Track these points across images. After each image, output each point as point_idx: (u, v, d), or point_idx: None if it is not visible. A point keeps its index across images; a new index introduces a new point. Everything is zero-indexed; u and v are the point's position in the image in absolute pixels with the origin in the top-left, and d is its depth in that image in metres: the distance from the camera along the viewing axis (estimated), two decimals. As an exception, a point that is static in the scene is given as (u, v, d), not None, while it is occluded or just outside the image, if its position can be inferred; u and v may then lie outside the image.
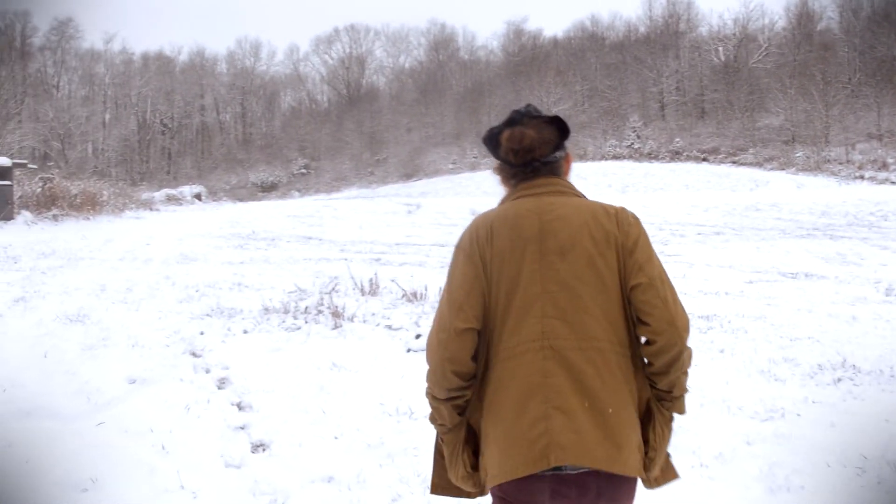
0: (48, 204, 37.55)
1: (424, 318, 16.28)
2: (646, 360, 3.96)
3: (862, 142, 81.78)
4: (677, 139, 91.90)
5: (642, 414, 4.00)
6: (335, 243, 32.99)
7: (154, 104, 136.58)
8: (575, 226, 3.98)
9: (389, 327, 14.89)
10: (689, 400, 4.71)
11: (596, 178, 77.90)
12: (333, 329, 14.33)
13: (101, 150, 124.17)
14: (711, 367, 11.67)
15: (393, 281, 20.24)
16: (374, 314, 16.37)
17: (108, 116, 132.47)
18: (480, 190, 74.08)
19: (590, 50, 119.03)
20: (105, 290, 19.62)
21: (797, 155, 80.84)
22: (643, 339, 3.94)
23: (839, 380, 10.94)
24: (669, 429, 4.06)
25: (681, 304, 3.89)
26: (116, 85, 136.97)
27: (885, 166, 73.07)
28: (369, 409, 9.65)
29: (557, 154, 4.23)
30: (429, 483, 5.66)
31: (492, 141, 4.26)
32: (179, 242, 30.86)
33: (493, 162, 4.32)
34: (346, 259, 27.42)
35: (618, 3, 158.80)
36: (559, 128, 4.24)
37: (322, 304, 16.25)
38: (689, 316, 3.94)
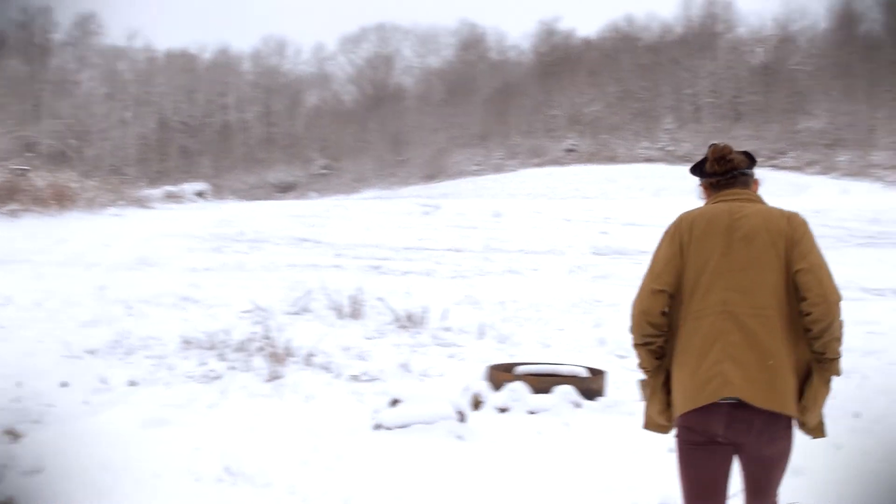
0: (5, 198, 33.04)
1: (419, 355, 12.57)
2: (806, 329, 5.11)
3: (913, 146, 78.22)
4: (713, 142, 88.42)
5: (803, 373, 5.17)
6: (333, 246, 29.25)
7: (176, 102, 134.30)
8: (755, 222, 5.26)
9: (356, 378, 11.07)
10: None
11: (627, 181, 75.43)
12: (269, 381, 10.40)
13: (119, 148, 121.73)
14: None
15: (381, 300, 16.32)
16: (346, 349, 12.62)
17: (128, 114, 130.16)
18: (505, 192, 70.93)
19: (623, 51, 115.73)
20: (8, 303, 15.82)
21: (840, 159, 77.42)
22: (805, 313, 5.07)
23: None
24: (826, 388, 5.20)
25: (834, 284, 5.08)
26: (138, 82, 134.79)
27: (939, 171, 70.53)
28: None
29: (749, 170, 5.66)
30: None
31: (698, 167, 5.77)
32: (146, 243, 26.73)
33: (697, 190, 5.82)
34: (338, 266, 23.82)
35: (654, 3, 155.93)
36: (749, 157, 5.76)
37: (266, 338, 12.07)
38: None
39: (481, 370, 11.92)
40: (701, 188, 5.71)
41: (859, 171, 74.13)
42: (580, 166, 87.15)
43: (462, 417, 9.03)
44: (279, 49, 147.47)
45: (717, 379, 4.94)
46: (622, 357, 14.39)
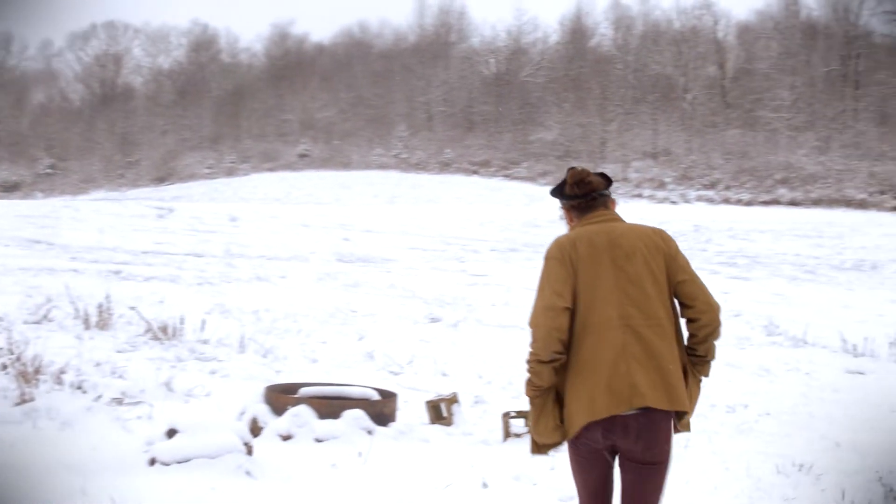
0: None
1: (178, 371, 11.36)
2: (688, 334, 5.65)
3: (638, 160, 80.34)
4: (447, 150, 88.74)
5: (682, 375, 5.57)
6: (67, 249, 27.49)
7: None
8: (632, 240, 5.58)
9: (119, 401, 9.72)
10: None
11: (361, 188, 74.87)
12: (18, 404, 8.97)
13: None
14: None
15: (133, 309, 14.92)
16: (98, 364, 11.27)
17: None
18: (238, 196, 69.40)
19: (356, 57, 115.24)
20: None
21: (572, 171, 78.13)
22: (687, 319, 5.61)
23: None
24: (698, 388, 5.75)
25: (710, 291, 5.61)
26: None
27: (662, 185, 72.48)
28: None
29: (607, 191, 5.85)
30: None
31: (558, 189, 5.92)
32: None
33: (559, 212, 6.03)
34: (75, 271, 22.21)
35: (388, 10, 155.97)
36: (605, 178, 5.91)
37: (11, 353, 10.47)
38: None
39: (251, 389, 10.79)
40: (563, 211, 5.95)
41: (591, 183, 74.86)
42: (314, 172, 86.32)
43: (249, 450, 7.83)
44: (4, 44, 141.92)
45: (628, 390, 5.31)
46: (396, 374, 13.50)
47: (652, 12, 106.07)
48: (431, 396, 11.03)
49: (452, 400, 10.61)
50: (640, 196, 71.27)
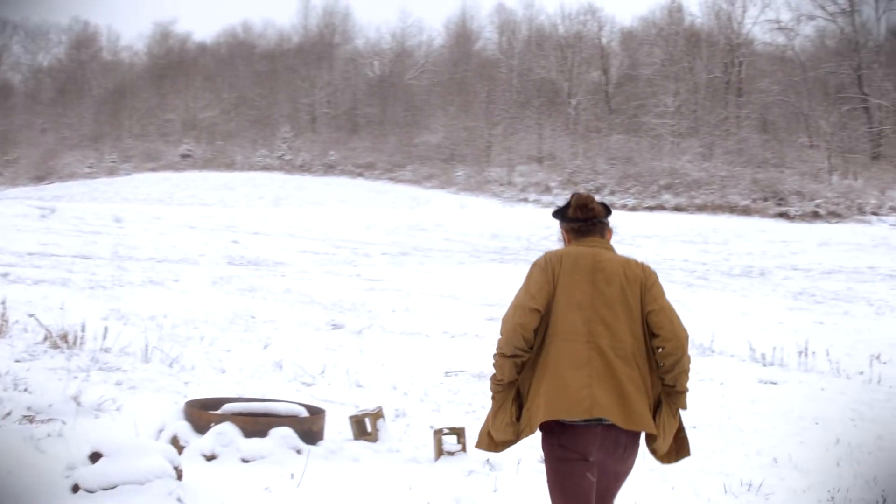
0: None
1: (82, 382, 10.74)
2: (658, 363, 5.85)
3: (523, 164, 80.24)
4: (331, 152, 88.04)
5: (654, 404, 5.84)
6: (-57, 251, 26.59)
7: None
8: (615, 267, 5.94)
9: (29, 418, 9.07)
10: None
11: (246, 189, 74.03)
12: None
13: None
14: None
15: (32, 316, 14.20)
16: (-1, 375, 10.63)
17: None
18: (120, 196, 68.07)
19: (239, 57, 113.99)
20: None
21: (457, 174, 78.26)
22: (655, 348, 5.84)
23: None
24: (674, 419, 5.91)
25: (682, 323, 5.85)
26: None
27: (548, 190, 72.59)
28: None
29: (605, 219, 6.25)
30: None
31: (560, 212, 6.31)
32: None
33: (558, 233, 6.46)
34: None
35: (271, 11, 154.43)
36: (605, 207, 6.29)
37: None
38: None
39: (164, 403, 10.24)
40: (562, 232, 6.33)
41: (476, 187, 75.29)
42: (197, 172, 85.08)
43: (179, 474, 7.25)
44: None
45: (588, 400, 5.57)
46: (308, 385, 12.99)
47: (536, 17, 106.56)
48: (354, 411, 10.57)
49: (377, 415, 10.09)
50: (525, 200, 71.21)
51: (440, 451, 9.50)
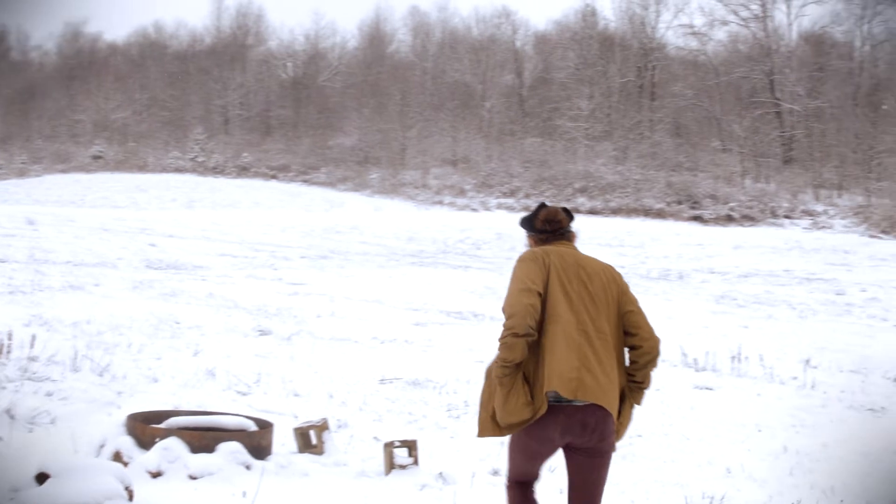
0: None
1: (11, 394, 10.35)
2: (629, 360, 6.36)
3: (437, 166, 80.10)
4: (245, 154, 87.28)
5: (619, 396, 6.27)
6: None
7: None
8: (595, 266, 6.43)
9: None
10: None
11: (158, 192, 73.17)
12: None
13: None
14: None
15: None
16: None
17: None
18: (31, 198, 66.90)
19: (151, 58, 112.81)
20: None
21: (372, 176, 77.99)
22: (630, 346, 6.33)
23: None
24: (631, 414, 6.46)
25: (653, 326, 6.37)
26: None
27: (462, 192, 72.60)
28: None
29: (570, 228, 6.69)
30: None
31: (527, 221, 6.75)
32: None
33: (524, 240, 6.86)
34: None
35: (184, 11, 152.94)
36: (568, 214, 6.73)
37: None
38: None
39: (99, 415, 9.90)
40: (529, 240, 6.78)
41: (391, 190, 74.89)
42: (108, 174, 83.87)
43: (130, 495, 6.87)
44: None
45: (575, 382, 5.98)
46: (244, 394, 12.63)
47: (450, 20, 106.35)
48: (297, 422, 10.28)
49: (323, 427, 9.81)
50: (440, 203, 71.03)
51: (391, 465, 9.22)
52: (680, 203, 65.34)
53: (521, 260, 6.37)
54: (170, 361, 14.45)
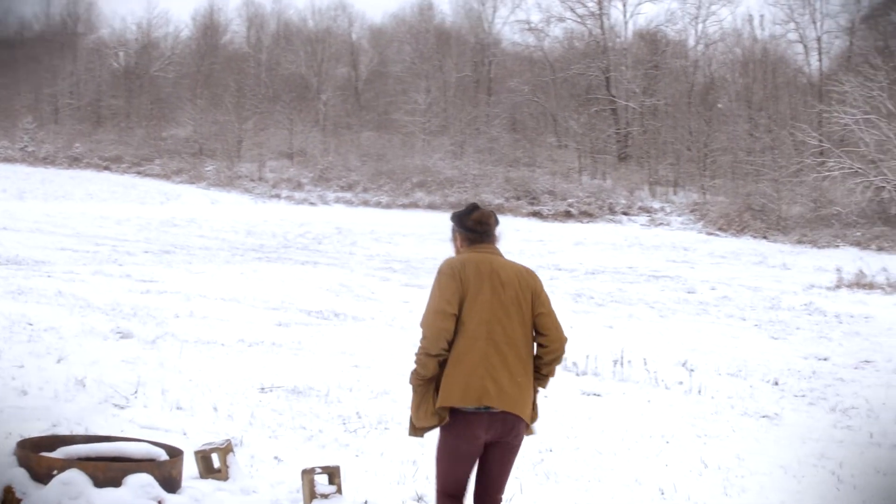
0: None
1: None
2: (536, 355, 6.96)
3: (273, 159, 79.56)
4: (76, 145, 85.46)
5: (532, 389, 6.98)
6: None
7: None
8: (510, 274, 6.94)
9: None
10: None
11: (-10, 184, 70.80)
12: None
13: None
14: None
15: None
16: None
17: None
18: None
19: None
20: None
21: (208, 169, 76.94)
22: (539, 344, 6.96)
23: None
24: (538, 395, 7.10)
25: (561, 326, 7.00)
26: None
27: (300, 186, 72.33)
28: None
29: (496, 230, 7.20)
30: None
31: (459, 218, 7.20)
32: None
33: (450, 234, 7.31)
34: None
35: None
36: (495, 218, 7.23)
37: None
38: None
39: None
40: (456, 234, 7.24)
41: (227, 182, 74.01)
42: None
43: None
44: None
45: (479, 391, 6.64)
46: (122, 407, 11.88)
47: (285, 11, 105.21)
48: (199, 445, 9.32)
49: (227, 449, 9.12)
50: (278, 197, 70.43)
51: (312, 494, 8.53)
52: (518, 199, 65.76)
53: (441, 273, 6.90)
54: (34, 370, 13.69)
